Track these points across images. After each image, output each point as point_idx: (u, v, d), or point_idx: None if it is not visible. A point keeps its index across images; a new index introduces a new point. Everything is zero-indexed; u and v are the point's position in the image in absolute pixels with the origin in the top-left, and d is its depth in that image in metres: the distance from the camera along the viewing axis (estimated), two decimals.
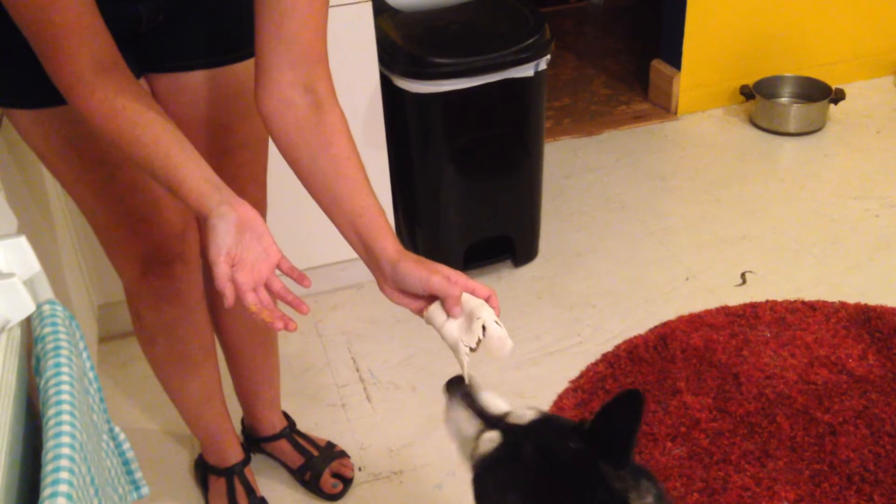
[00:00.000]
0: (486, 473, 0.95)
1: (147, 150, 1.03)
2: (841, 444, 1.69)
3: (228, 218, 1.00)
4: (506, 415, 0.99)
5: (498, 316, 1.03)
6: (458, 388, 1.02)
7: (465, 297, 1.03)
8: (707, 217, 2.52)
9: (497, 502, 0.93)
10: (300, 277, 1.07)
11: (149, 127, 1.03)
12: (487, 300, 1.04)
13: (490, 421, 0.99)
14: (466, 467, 0.99)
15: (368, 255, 1.08)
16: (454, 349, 1.02)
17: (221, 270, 0.99)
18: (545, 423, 0.96)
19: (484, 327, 1.00)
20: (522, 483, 0.91)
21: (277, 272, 1.06)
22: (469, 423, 1.00)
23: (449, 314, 1.02)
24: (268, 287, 1.05)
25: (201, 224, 1.09)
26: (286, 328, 1.03)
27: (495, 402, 1.01)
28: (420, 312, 1.06)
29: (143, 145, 1.02)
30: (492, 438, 0.95)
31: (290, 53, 1.07)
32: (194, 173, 1.02)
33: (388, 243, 1.06)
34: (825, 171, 2.71)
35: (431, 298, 1.04)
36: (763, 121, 2.95)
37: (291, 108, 1.09)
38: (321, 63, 1.11)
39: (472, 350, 1.01)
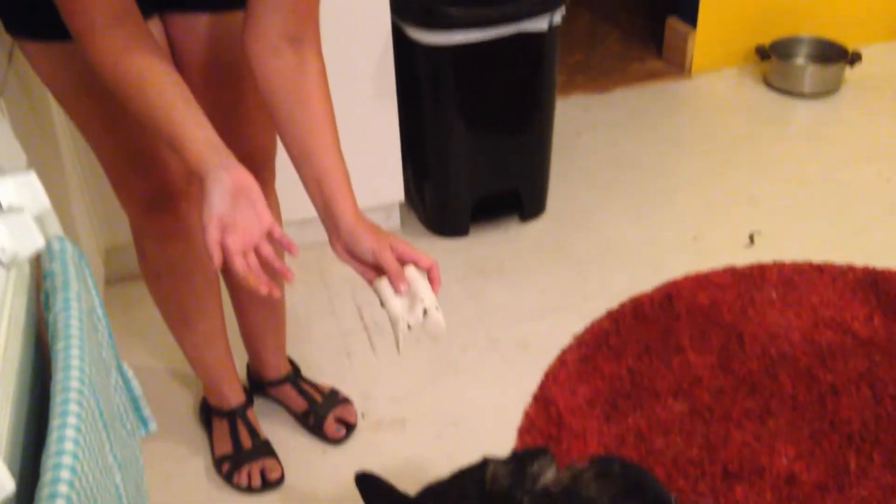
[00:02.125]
0: None
1: (150, 104, 1.04)
2: (842, 404, 1.70)
3: (224, 183, 1.02)
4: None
5: (438, 287, 1.13)
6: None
7: (411, 272, 1.12)
8: (717, 177, 2.50)
9: None
10: (289, 245, 1.10)
11: (155, 81, 1.04)
12: (429, 270, 1.13)
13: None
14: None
15: (327, 213, 1.14)
16: (393, 323, 1.11)
17: (211, 235, 1.02)
18: None
19: (425, 311, 1.11)
20: None
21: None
22: None
23: (396, 290, 1.11)
24: (257, 252, 1.06)
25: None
26: (271, 294, 1.06)
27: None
28: (364, 276, 1.15)
29: (147, 98, 1.04)
30: None
31: (283, 6, 1.11)
32: (195, 133, 1.03)
33: (348, 206, 1.13)
34: (838, 133, 2.69)
35: (376, 266, 1.13)
36: (778, 81, 2.92)
37: (276, 55, 1.13)
38: (310, 21, 1.15)
39: (409, 328, 1.11)
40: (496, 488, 1.00)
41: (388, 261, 1.10)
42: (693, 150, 2.65)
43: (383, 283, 1.13)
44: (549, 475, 1.02)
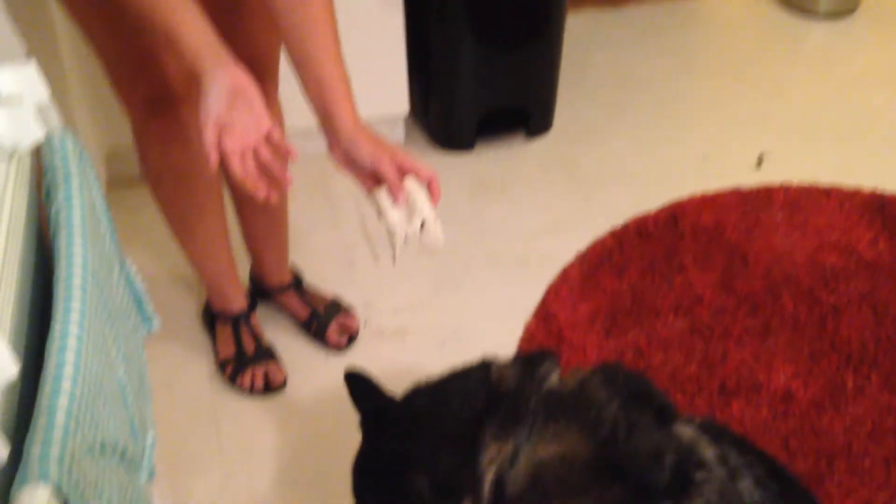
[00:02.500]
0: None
1: (150, 3, 1.02)
2: (843, 324, 1.71)
3: (221, 83, 1.00)
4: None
5: (438, 199, 1.12)
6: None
7: (410, 183, 1.10)
8: (727, 98, 2.46)
9: None
10: (287, 150, 1.10)
11: None
12: (429, 183, 1.11)
13: None
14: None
15: (326, 119, 1.13)
16: (391, 234, 1.10)
17: (208, 135, 1.01)
18: None
19: (423, 223, 1.10)
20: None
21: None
22: None
23: (394, 201, 1.10)
24: (255, 155, 1.05)
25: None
26: (268, 199, 1.05)
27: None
28: (362, 185, 1.14)
29: None
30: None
31: None
32: (193, 31, 1.02)
33: (348, 112, 1.12)
34: (853, 55, 2.63)
35: (375, 175, 1.12)
36: (793, 1, 2.85)
37: None
38: None
39: (406, 240, 1.11)
40: (503, 388, 1.01)
41: (388, 170, 1.09)
42: (705, 70, 2.60)
43: (381, 193, 1.11)
44: (553, 379, 1.02)
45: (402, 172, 1.11)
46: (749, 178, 2.13)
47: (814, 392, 1.59)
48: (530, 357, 1.06)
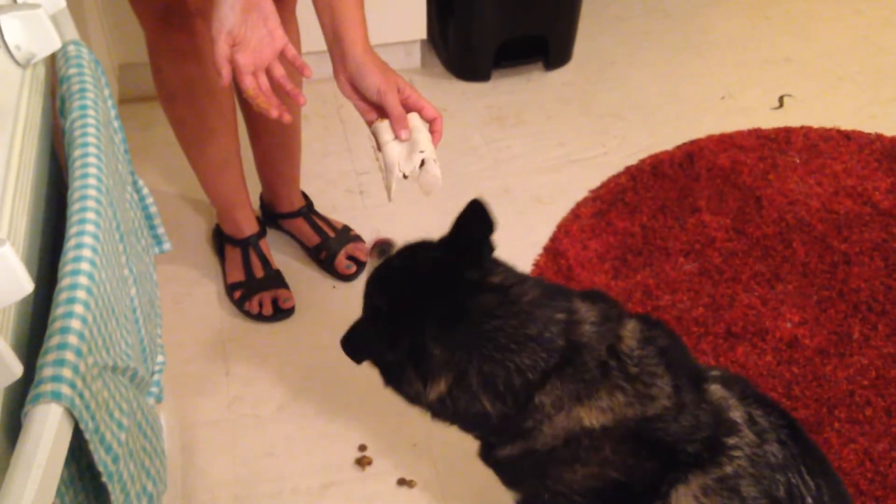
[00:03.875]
0: (368, 286, 1.08)
1: None
2: (853, 273, 1.70)
3: None
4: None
5: (439, 140, 1.10)
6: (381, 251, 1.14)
7: (414, 120, 1.07)
8: (753, 34, 2.40)
9: (370, 305, 1.06)
10: (302, 66, 1.06)
11: None
12: (432, 122, 1.09)
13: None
14: None
15: (336, 42, 1.09)
16: (388, 170, 1.08)
17: (220, 48, 0.98)
18: (417, 244, 1.08)
19: (423, 162, 1.07)
20: (389, 285, 1.05)
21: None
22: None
23: (396, 135, 1.07)
24: (268, 72, 1.02)
25: None
26: (280, 118, 1.03)
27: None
28: (364, 115, 1.11)
29: None
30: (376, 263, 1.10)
31: None
32: None
33: (359, 36, 1.08)
34: None
35: (378, 107, 1.08)
36: None
37: None
38: None
39: (404, 177, 1.09)
40: (583, 339, 0.99)
41: (393, 103, 1.06)
42: (731, 5, 2.53)
43: (383, 126, 1.08)
44: (624, 344, 1.00)
45: (408, 108, 1.08)
46: (769, 119, 2.09)
47: (819, 340, 1.59)
48: (609, 309, 1.02)
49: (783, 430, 0.97)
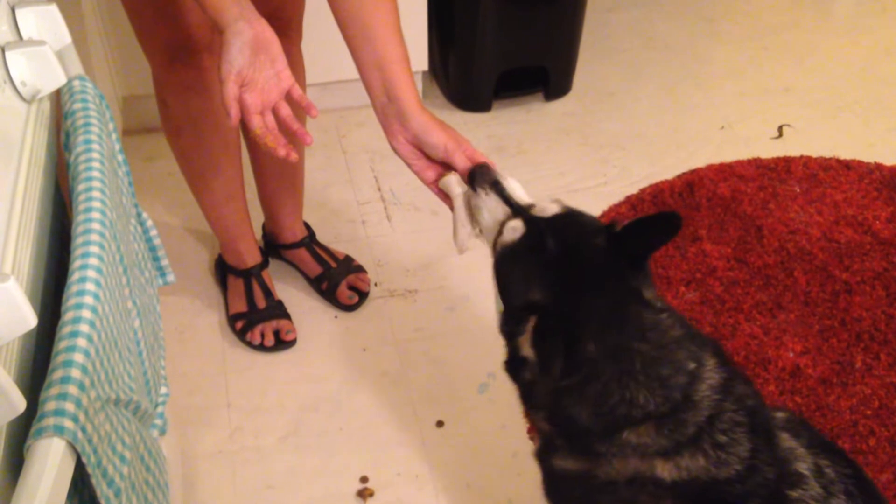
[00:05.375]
0: (509, 262, 0.96)
1: None
2: (855, 302, 1.70)
3: (244, 35, 0.98)
4: (530, 206, 0.99)
5: None
6: (486, 176, 1.01)
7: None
8: (751, 65, 2.42)
9: (519, 293, 0.94)
10: (309, 107, 1.06)
11: None
12: None
13: (515, 209, 0.99)
14: (490, 254, 1.00)
15: (391, 102, 1.07)
16: (462, 223, 1.04)
17: (229, 89, 0.98)
18: (569, 218, 0.97)
19: None
20: (545, 274, 0.92)
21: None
22: (496, 209, 1.00)
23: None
24: (275, 112, 1.03)
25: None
26: (287, 157, 1.03)
27: (521, 193, 1.02)
28: (422, 173, 1.08)
29: None
30: (515, 227, 0.95)
31: None
32: None
33: (413, 95, 1.06)
34: (881, 26, 2.58)
35: (440, 163, 1.06)
36: None
37: None
38: None
39: (480, 232, 1.04)
40: (700, 396, 0.92)
41: (462, 160, 1.04)
42: (729, 35, 2.55)
43: (454, 179, 1.05)
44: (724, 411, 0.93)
45: (473, 163, 1.05)
46: (769, 149, 2.11)
47: (822, 369, 1.58)
48: (730, 380, 0.95)
49: (850, 480, 0.93)
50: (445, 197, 1.08)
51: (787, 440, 0.95)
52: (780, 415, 0.99)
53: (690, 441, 0.90)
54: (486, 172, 1.01)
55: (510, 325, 0.94)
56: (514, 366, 0.95)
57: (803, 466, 0.93)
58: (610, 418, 0.90)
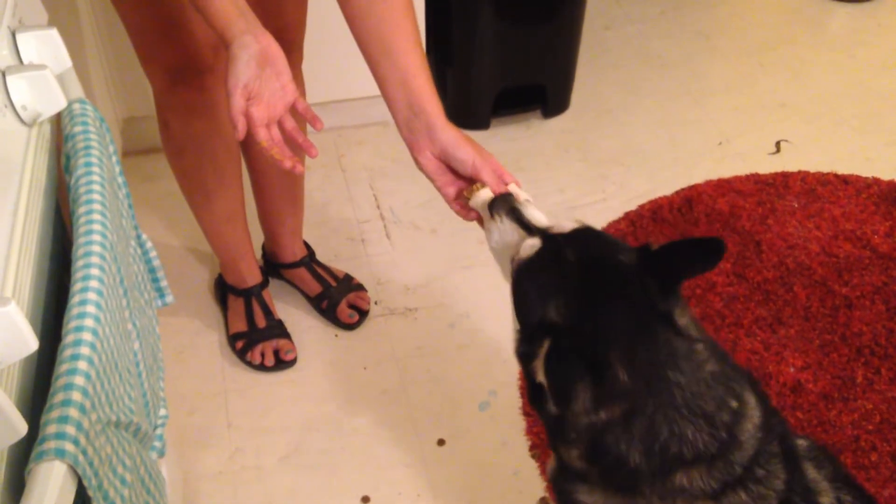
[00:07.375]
0: (526, 278, 0.92)
1: None
2: (855, 317, 1.70)
3: (250, 49, 0.98)
4: (549, 227, 0.97)
5: None
6: (505, 203, 1.00)
7: (515, 192, 1.03)
8: (748, 80, 2.44)
9: (537, 307, 0.89)
10: (314, 119, 1.06)
11: None
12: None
13: (533, 231, 0.97)
14: (507, 280, 0.97)
15: (414, 117, 1.05)
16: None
17: (236, 102, 0.98)
18: (590, 232, 0.95)
19: None
20: (563, 285, 0.88)
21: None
22: (513, 232, 0.98)
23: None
24: (280, 125, 1.03)
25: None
26: (293, 169, 1.03)
27: (539, 216, 1.00)
28: (446, 188, 1.07)
29: None
30: (533, 244, 0.93)
31: None
32: None
33: (438, 109, 1.05)
34: (877, 40, 2.60)
35: (467, 178, 1.05)
36: None
37: None
38: None
39: None
40: (745, 448, 0.90)
41: (492, 176, 1.03)
42: (725, 51, 2.57)
43: (486, 193, 1.04)
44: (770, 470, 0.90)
45: (499, 178, 1.04)
46: (766, 164, 2.11)
47: (823, 384, 1.58)
48: (770, 417, 0.92)
49: None
50: (467, 212, 1.07)
51: (811, 471, 0.92)
52: (801, 442, 0.96)
53: (737, 481, 0.87)
54: (504, 200, 1.00)
55: (525, 346, 0.89)
56: (536, 396, 0.89)
57: (826, 501, 0.90)
58: (663, 458, 0.85)
